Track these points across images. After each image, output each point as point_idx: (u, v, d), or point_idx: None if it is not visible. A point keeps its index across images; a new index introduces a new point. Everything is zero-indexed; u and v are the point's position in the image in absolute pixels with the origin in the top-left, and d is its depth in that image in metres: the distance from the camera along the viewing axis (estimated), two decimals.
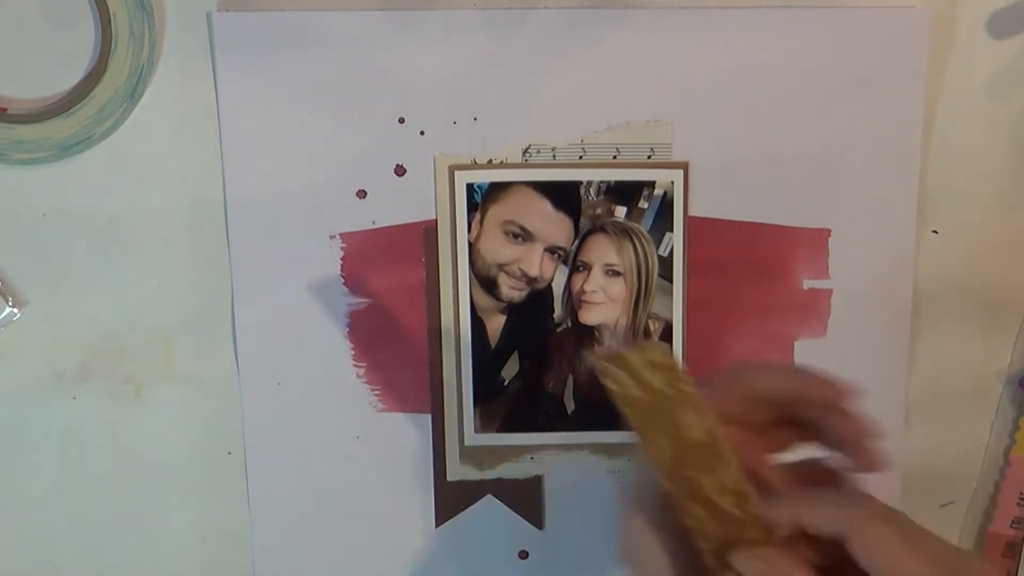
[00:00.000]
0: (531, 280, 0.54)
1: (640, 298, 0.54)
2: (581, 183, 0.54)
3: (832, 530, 0.38)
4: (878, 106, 0.53)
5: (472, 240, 0.54)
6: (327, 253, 0.54)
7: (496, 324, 0.55)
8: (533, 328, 0.55)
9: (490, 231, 0.54)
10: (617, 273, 0.54)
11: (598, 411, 0.55)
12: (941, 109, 0.54)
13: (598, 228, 0.54)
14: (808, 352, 0.55)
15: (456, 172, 0.53)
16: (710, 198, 0.54)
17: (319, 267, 0.54)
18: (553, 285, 0.54)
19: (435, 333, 0.55)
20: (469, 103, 0.53)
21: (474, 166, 0.53)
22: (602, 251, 0.54)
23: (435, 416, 0.55)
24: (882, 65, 0.53)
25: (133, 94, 0.52)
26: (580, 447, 0.56)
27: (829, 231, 0.55)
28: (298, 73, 0.52)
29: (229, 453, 0.55)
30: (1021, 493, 0.57)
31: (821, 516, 0.39)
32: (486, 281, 0.54)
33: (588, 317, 0.54)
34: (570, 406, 0.55)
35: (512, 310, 0.55)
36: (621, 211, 0.54)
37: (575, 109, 0.53)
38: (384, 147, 0.53)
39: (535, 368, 0.55)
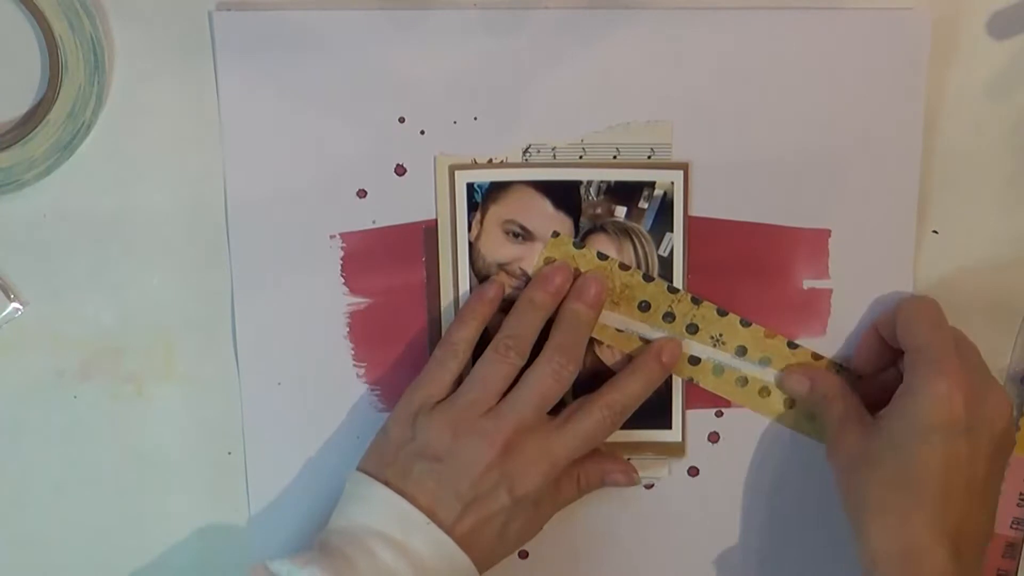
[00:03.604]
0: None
1: None
2: (581, 183, 0.54)
3: (890, 319, 0.52)
4: (878, 106, 0.53)
5: (472, 240, 0.54)
6: (327, 253, 0.54)
7: (496, 323, 0.54)
8: None
9: (490, 231, 0.54)
10: None
11: None
12: (941, 109, 0.54)
13: (598, 228, 0.54)
14: None
15: (456, 172, 0.53)
16: (710, 198, 0.54)
17: (319, 267, 0.54)
18: None
19: (435, 333, 0.54)
20: (469, 103, 0.53)
21: (474, 166, 0.53)
22: (603, 251, 0.54)
23: None
24: (882, 65, 0.53)
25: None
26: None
27: (829, 231, 0.54)
28: (298, 73, 0.52)
29: (229, 453, 0.55)
30: (1021, 493, 0.57)
31: (886, 315, 0.53)
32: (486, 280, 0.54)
33: None
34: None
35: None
36: (621, 211, 0.54)
37: (575, 109, 0.53)
38: (384, 147, 0.53)
39: None
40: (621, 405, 0.52)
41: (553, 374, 0.51)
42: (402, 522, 0.48)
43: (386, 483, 0.49)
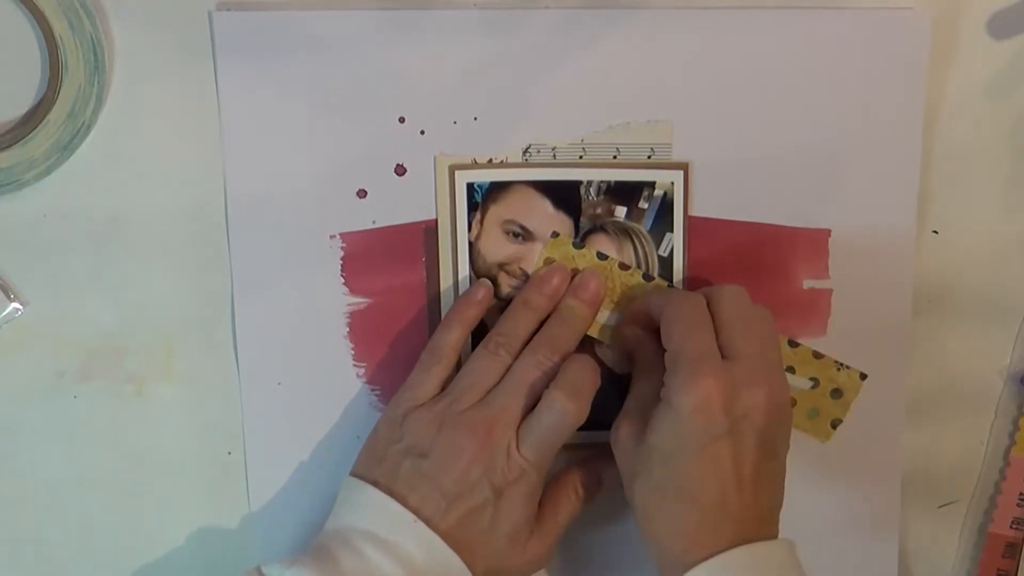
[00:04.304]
0: None
1: None
2: (581, 183, 0.54)
3: (656, 312, 0.50)
4: (878, 106, 0.53)
5: (472, 239, 0.54)
6: (327, 253, 0.54)
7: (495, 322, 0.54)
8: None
9: (490, 230, 0.54)
10: None
11: (598, 411, 0.55)
12: (941, 109, 0.54)
13: (598, 228, 0.54)
14: None
15: (456, 172, 0.53)
16: (710, 198, 0.54)
17: (319, 267, 0.54)
18: None
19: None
20: (469, 103, 0.53)
21: (474, 166, 0.53)
22: (603, 251, 0.54)
23: None
24: (882, 65, 0.53)
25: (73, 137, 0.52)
26: (580, 447, 0.55)
27: (829, 231, 0.55)
28: (298, 72, 0.52)
29: (229, 453, 0.55)
30: (1021, 493, 0.57)
31: (651, 302, 0.51)
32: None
33: None
34: None
35: None
36: (621, 211, 0.54)
37: (575, 109, 0.53)
38: (384, 147, 0.53)
39: None
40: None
41: (537, 365, 0.50)
42: (390, 521, 0.48)
43: (375, 484, 0.49)
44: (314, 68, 0.52)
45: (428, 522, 0.48)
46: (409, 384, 0.52)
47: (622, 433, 0.50)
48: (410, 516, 0.48)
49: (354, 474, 0.51)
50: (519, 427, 0.50)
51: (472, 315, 0.53)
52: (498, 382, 0.51)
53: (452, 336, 0.52)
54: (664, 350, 0.49)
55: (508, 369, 0.51)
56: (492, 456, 0.49)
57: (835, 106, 0.53)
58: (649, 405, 0.49)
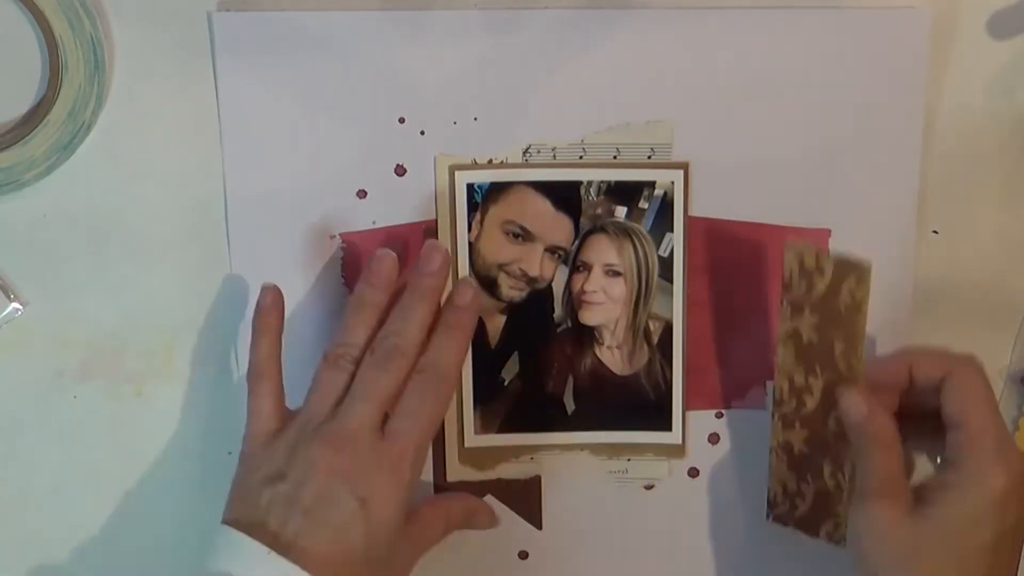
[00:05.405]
0: (531, 280, 0.54)
1: (640, 298, 0.54)
2: (581, 183, 0.54)
3: (937, 373, 0.48)
4: (878, 106, 0.53)
5: (472, 240, 0.54)
6: (327, 253, 0.54)
7: (496, 324, 0.55)
8: (533, 328, 0.55)
9: (490, 231, 0.54)
10: (617, 273, 0.54)
11: (598, 411, 0.55)
12: (941, 109, 0.54)
13: (598, 228, 0.54)
14: None
15: (456, 172, 0.53)
16: (710, 198, 0.54)
17: (319, 267, 0.54)
18: (553, 285, 0.54)
19: None
20: (469, 103, 0.53)
21: (474, 166, 0.53)
22: (602, 251, 0.54)
23: None
24: (882, 65, 0.53)
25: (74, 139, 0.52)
26: (580, 447, 0.56)
27: (829, 231, 0.55)
28: (298, 73, 0.52)
29: (229, 453, 0.55)
30: None
31: (931, 361, 0.48)
32: (486, 281, 0.54)
33: (588, 317, 0.54)
34: (570, 406, 0.55)
35: (512, 310, 0.55)
36: (621, 211, 0.54)
37: (575, 109, 0.53)
38: (384, 147, 0.53)
39: (535, 368, 0.55)
40: (433, 365, 0.49)
41: (376, 365, 0.48)
42: (243, 558, 0.45)
43: (235, 522, 0.46)
44: (314, 68, 0.52)
45: (291, 546, 0.45)
46: (246, 422, 0.50)
47: (885, 515, 0.46)
48: (263, 548, 0.45)
49: (224, 520, 0.48)
50: (385, 423, 0.47)
51: (272, 323, 0.51)
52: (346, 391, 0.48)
53: (263, 351, 0.50)
54: (892, 418, 0.48)
55: (351, 374, 0.49)
56: (353, 462, 0.46)
57: (835, 106, 0.53)
58: (901, 481, 0.47)
